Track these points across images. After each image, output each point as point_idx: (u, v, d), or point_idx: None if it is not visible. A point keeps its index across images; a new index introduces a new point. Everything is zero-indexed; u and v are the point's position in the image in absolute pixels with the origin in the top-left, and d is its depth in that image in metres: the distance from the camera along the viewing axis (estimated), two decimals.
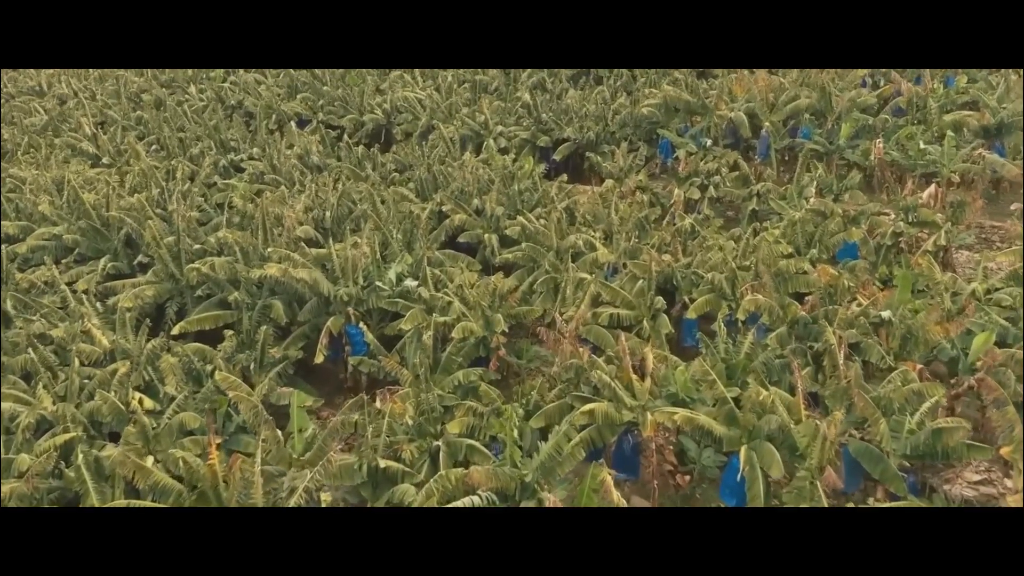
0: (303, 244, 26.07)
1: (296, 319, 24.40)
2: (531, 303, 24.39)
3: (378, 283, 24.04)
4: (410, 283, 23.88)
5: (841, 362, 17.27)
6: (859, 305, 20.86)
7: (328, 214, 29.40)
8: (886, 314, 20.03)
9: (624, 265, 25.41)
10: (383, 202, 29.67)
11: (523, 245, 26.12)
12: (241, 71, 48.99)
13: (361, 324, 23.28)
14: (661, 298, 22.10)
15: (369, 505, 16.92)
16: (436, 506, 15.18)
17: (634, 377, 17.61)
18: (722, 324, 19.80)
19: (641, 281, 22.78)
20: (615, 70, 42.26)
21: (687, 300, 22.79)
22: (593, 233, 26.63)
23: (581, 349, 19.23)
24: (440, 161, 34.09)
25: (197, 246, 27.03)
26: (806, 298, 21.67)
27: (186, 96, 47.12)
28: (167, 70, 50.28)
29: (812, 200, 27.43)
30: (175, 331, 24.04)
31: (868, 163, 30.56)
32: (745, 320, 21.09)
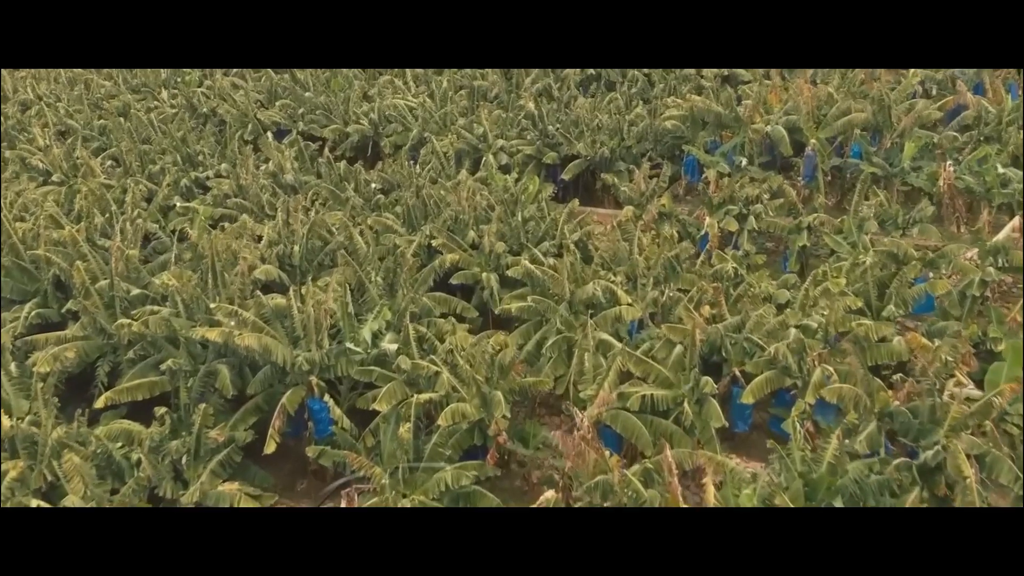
0: (259, 293, 21.25)
1: (247, 389, 19.78)
2: (539, 367, 19.80)
3: (349, 344, 19.41)
4: (388, 346, 19.27)
5: (975, 493, 12.64)
6: (959, 384, 16.26)
7: (296, 248, 24.73)
8: (1000, 401, 15.42)
9: (652, 318, 20.79)
10: (362, 234, 25.05)
11: (529, 298, 21.34)
12: (218, 74, 44.35)
13: (326, 397, 18.70)
14: (709, 379, 17.21)
15: None
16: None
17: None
18: (796, 425, 15.01)
19: (679, 347, 18.08)
20: (629, 75, 37.54)
21: (737, 373, 18.04)
22: (613, 278, 21.84)
23: (610, 457, 14.49)
24: (432, 181, 29.39)
25: (136, 291, 22.44)
26: (892, 378, 16.97)
27: (156, 103, 42.41)
28: (139, 74, 45.67)
29: (872, 235, 22.82)
30: (99, 403, 19.51)
31: (935, 189, 25.78)
32: (813, 404, 16.46)
